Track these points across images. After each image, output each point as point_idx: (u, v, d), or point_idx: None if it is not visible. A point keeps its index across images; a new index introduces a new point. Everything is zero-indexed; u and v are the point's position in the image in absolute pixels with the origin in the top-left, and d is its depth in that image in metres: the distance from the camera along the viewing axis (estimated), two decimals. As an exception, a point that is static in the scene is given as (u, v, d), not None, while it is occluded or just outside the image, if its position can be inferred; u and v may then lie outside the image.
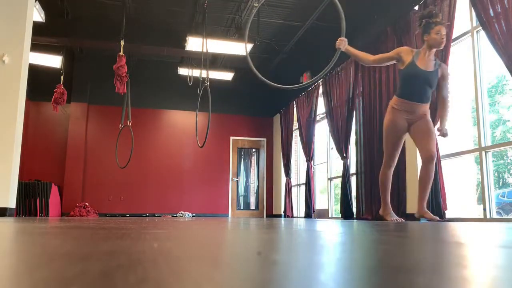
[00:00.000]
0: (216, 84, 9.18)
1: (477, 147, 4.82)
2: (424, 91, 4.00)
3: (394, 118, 4.09)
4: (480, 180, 4.74)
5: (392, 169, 4.24)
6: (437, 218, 4.10)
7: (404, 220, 4.26)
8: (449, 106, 4.12)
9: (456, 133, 5.03)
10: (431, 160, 3.96)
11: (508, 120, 11.93)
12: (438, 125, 4.11)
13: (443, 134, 4.04)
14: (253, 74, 4.10)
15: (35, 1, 6.11)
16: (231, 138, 10.81)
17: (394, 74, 5.96)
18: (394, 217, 4.27)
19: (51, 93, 8.09)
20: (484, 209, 4.63)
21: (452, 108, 4.25)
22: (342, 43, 4.05)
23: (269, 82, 4.18)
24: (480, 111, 4.79)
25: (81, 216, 8.29)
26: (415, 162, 5.38)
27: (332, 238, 1.40)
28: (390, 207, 4.33)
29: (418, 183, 4.09)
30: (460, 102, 5.30)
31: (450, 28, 4.96)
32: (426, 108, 4.07)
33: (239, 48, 7.64)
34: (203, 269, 0.59)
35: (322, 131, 8.91)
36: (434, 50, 4.01)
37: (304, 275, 0.55)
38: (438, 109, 4.15)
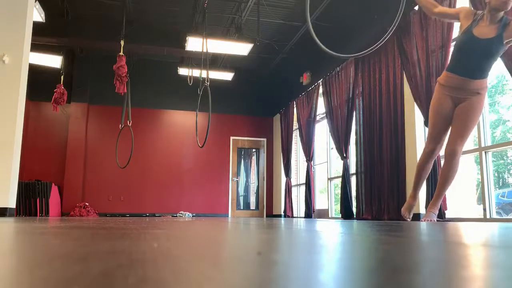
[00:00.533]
0: (216, 84, 9.18)
1: (477, 147, 4.82)
2: (479, 64, 3.35)
3: (439, 97, 3.56)
4: (480, 180, 4.75)
5: (432, 157, 3.71)
6: (434, 220, 3.80)
7: (409, 220, 4.19)
8: None
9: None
10: (450, 157, 3.47)
11: (508, 120, 11.92)
12: None
13: None
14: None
15: (35, 1, 6.11)
16: (231, 138, 10.81)
17: (394, 74, 5.96)
18: (409, 215, 3.97)
19: (51, 93, 8.09)
20: (484, 209, 4.63)
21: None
22: None
23: (331, 52, 3.64)
24: (480, 111, 4.79)
25: (81, 216, 8.29)
26: (415, 161, 5.37)
27: (332, 238, 1.40)
28: (416, 200, 3.92)
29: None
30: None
31: (450, 28, 4.96)
32: (480, 85, 3.41)
33: (239, 48, 7.64)
34: (203, 269, 0.59)
35: (322, 131, 8.91)
36: (499, 14, 3.29)
37: (304, 275, 0.55)
38: None
